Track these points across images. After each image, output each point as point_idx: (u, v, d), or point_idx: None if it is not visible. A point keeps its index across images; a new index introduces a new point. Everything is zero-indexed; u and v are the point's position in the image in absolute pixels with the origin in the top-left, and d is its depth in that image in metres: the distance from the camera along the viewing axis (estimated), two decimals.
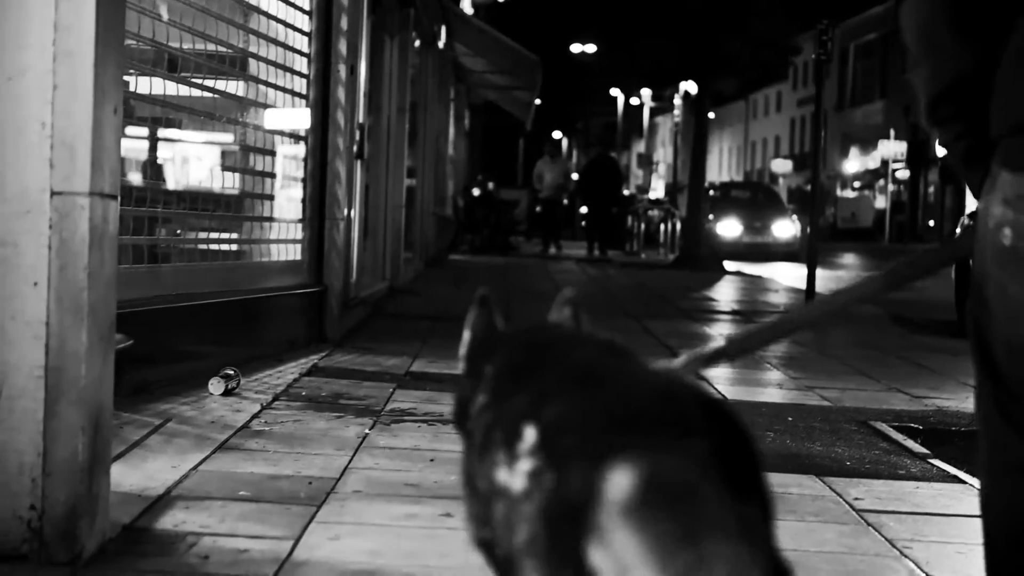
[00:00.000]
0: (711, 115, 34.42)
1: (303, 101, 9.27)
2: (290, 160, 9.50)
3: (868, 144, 65.00)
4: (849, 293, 2.80)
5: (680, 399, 1.78)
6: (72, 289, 3.73)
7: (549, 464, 1.72)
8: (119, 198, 4.00)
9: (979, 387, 2.66)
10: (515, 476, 1.78)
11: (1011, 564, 2.64)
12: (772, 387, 8.69)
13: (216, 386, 6.78)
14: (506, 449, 1.82)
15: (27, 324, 3.72)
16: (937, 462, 6.10)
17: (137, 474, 4.88)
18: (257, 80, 8.74)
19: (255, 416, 6.33)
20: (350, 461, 5.41)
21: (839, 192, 67.88)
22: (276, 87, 8.90)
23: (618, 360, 1.98)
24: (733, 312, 15.16)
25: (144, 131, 7.37)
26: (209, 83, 8.01)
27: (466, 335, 2.18)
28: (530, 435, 1.77)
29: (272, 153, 8.97)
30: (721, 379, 8.79)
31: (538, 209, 36.26)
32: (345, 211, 9.99)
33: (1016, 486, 2.63)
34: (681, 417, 1.74)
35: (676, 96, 51.72)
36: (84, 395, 3.74)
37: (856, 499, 5.16)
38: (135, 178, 7.29)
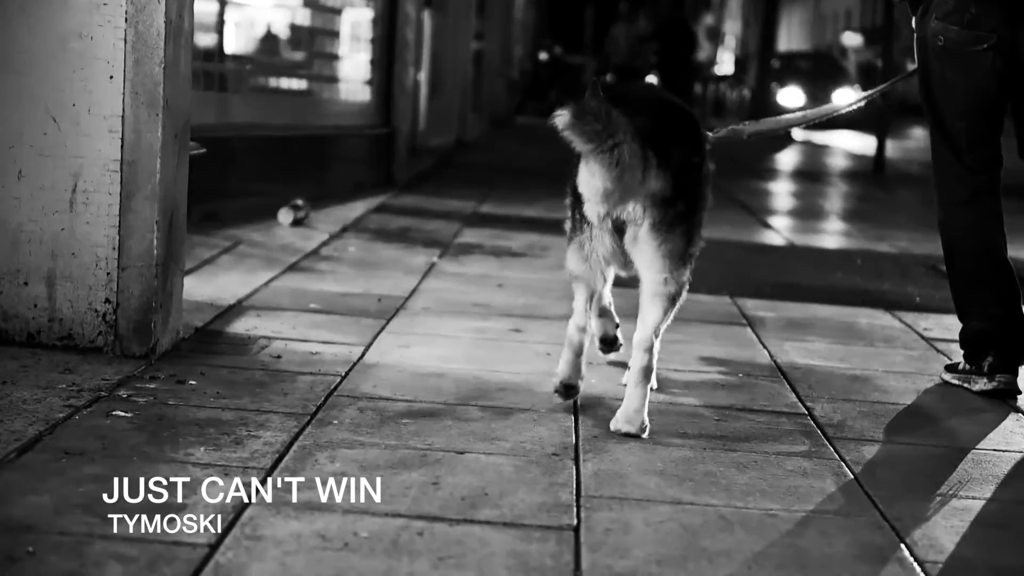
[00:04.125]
0: None
1: None
2: (359, 3, 9.42)
3: None
4: (837, 105, 4.45)
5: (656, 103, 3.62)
6: (148, 83, 3.71)
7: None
8: None
9: (934, 145, 4.27)
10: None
11: (966, 273, 4.21)
12: (840, 235, 8.63)
13: (285, 216, 6.80)
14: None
15: (103, 118, 3.72)
16: None
17: (209, 287, 4.92)
18: None
19: (324, 244, 6.35)
20: (419, 283, 5.42)
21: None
22: None
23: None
24: (797, 173, 15.02)
25: None
26: None
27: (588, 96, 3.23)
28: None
29: None
30: (785, 229, 8.73)
31: (608, 77, 35.83)
32: (414, 57, 9.91)
33: (964, 214, 4.21)
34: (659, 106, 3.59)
35: None
36: (159, 191, 3.74)
37: (925, 329, 5.12)
38: (208, 4, 7.25)
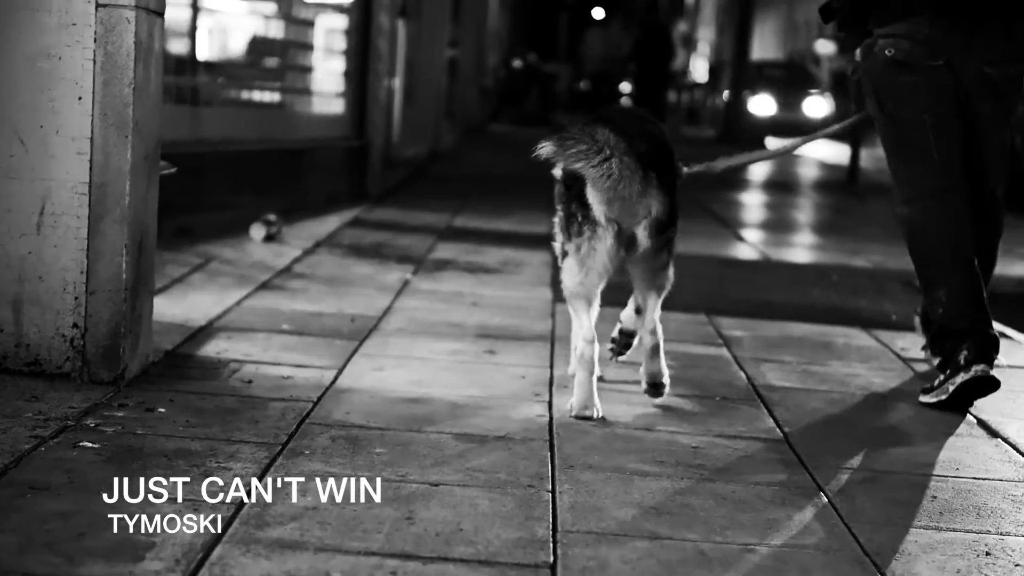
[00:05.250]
0: None
1: None
2: (334, 11, 9.37)
3: None
4: (804, 140, 4.87)
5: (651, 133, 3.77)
6: (117, 105, 3.66)
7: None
8: (164, 16, 3.91)
9: (894, 149, 4.48)
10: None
11: (937, 265, 4.33)
12: (815, 250, 8.61)
13: (257, 231, 6.74)
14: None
15: (71, 140, 3.66)
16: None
17: (179, 307, 4.86)
18: None
19: (296, 260, 6.29)
20: (393, 302, 5.37)
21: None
22: None
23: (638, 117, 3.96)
24: (770, 183, 15.01)
25: None
26: None
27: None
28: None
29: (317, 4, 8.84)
30: (759, 242, 8.71)
31: (582, 85, 35.80)
32: (388, 67, 9.86)
33: (932, 206, 4.35)
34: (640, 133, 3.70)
35: None
36: (128, 214, 3.68)
37: (902, 348, 5.09)
38: (179, 15, 7.18)
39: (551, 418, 3.71)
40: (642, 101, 28.48)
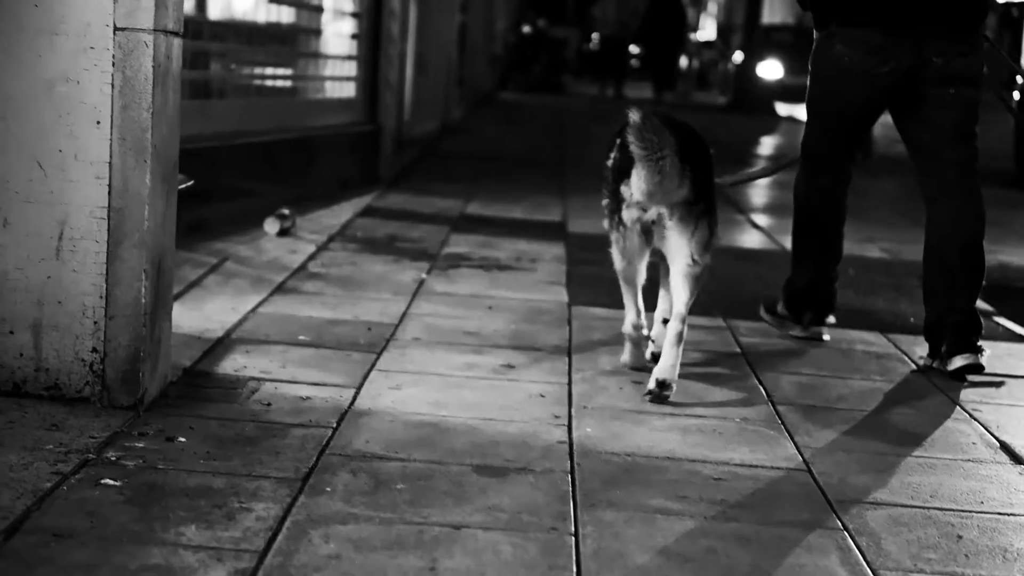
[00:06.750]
0: None
1: None
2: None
3: None
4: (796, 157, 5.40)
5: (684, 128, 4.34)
6: (135, 129, 3.63)
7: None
8: (183, 35, 3.88)
9: (812, 133, 5.28)
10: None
11: (810, 240, 5.33)
12: None
13: (271, 226, 6.72)
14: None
15: (89, 164, 3.63)
16: (1002, 320, 6.01)
17: (196, 315, 4.84)
18: None
19: (311, 257, 6.27)
20: (408, 307, 5.35)
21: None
22: None
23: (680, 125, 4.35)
24: (780, 159, 14.93)
25: None
26: None
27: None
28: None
29: None
30: (774, 229, 8.67)
31: (590, 45, 35.56)
32: (399, 47, 9.81)
33: (826, 190, 5.30)
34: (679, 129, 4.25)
35: None
36: (147, 238, 3.66)
37: (920, 357, 5.06)
38: (188, 6, 7.14)
39: (571, 443, 3.70)
40: (652, 66, 28.40)
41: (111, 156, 3.63)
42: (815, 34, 5.13)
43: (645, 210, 4.25)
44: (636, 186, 4.15)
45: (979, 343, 4.88)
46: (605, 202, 4.42)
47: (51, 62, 3.61)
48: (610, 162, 4.41)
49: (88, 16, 3.60)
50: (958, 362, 4.80)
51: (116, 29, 3.60)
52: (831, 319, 5.39)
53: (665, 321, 4.54)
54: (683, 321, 4.24)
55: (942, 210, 4.99)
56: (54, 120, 3.63)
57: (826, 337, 5.29)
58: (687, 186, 4.15)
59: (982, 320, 4.97)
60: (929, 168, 5.03)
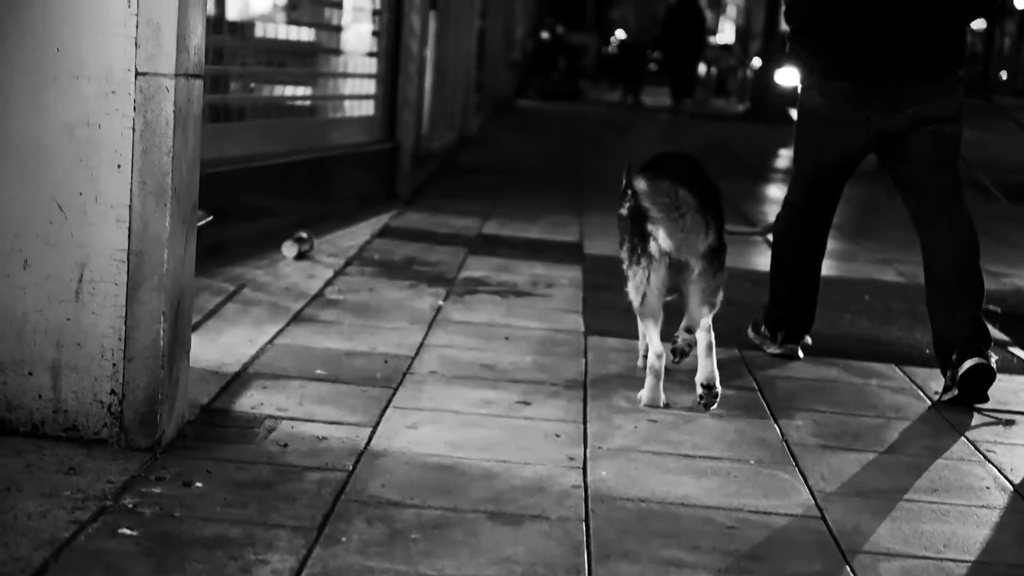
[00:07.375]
0: None
1: None
2: (362, 12, 9.33)
3: None
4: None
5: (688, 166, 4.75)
6: (155, 173, 3.66)
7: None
8: (203, 78, 3.91)
9: (796, 179, 5.64)
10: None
11: (788, 271, 5.67)
12: (844, 260, 8.56)
13: (289, 249, 6.75)
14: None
15: (110, 207, 3.66)
16: (1017, 351, 6.01)
17: (214, 348, 4.87)
18: None
19: (329, 283, 6.30)
20: (425, 337, 5.37)
21: None
22: None
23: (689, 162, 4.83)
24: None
25: None
26: None
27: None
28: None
29: (339, 5, 8.80)
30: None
31: (609, 49, 35.51)
32: (419, 63, 9.82)
33: (804, 231, 5.61)
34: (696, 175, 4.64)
35: None
36: (166, 280, 3.69)
37: (935, 393, 5.07)
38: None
39: (586, 488, 3.72)
40: (671, 72, 28.37)
41: (131, 199, 3.66)
42: (798, 87, 5.45)
43: (671, 257, 4.51)
44: (664, 242, 4.46)
45: (989, 351, 4.95)
46: (623, 248, 4.75)
47: (72, 106, 3.64)
48: (623, 211, 4.71)
49: (110, 61, 3.63)
50: (968, 364, 4.87)
51: (138, 74, 3.63)
52: (807, 340, 5.66)
53: (689, 330, 4.90)
54: (710, 331, 4.56)
55: (931, 237, 5.25)
56: (75, 163, 3.66)
57: (800, 355, 5.56)
58: (713, 235, 4.47)
59: (990, 332, 5.07)
60: (914, 199, 5.28)
